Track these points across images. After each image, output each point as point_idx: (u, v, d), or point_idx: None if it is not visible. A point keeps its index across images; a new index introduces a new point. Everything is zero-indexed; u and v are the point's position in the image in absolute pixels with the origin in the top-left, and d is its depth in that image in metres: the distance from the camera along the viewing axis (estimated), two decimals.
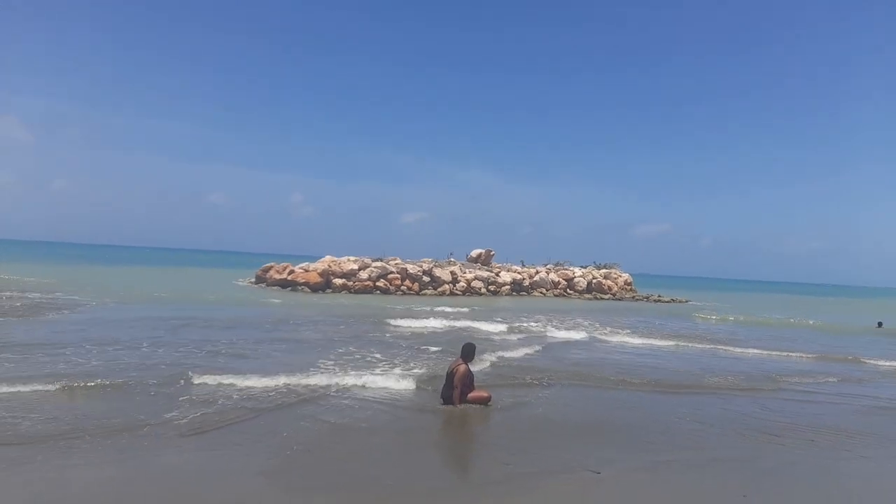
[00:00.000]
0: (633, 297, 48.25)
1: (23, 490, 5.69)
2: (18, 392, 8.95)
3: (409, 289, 39.79)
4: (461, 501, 6.06)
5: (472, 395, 9.82)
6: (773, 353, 18.96)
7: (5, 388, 9.03)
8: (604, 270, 50.76)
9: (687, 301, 49.21)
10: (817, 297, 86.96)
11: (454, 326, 20.83)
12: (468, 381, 9.84)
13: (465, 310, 28.10)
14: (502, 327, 21.46)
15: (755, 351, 19.04)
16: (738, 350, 19.10)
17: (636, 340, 20.24)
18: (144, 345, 13.66)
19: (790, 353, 18.96)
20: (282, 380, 10.60)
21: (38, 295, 23.57)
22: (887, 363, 17.98)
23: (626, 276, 51.18)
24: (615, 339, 20.48)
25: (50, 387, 9.27)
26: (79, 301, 22.41)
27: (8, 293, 23.42)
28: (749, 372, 14.73)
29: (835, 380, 14.42)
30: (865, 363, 18.00)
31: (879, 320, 33.52)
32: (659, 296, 50.81)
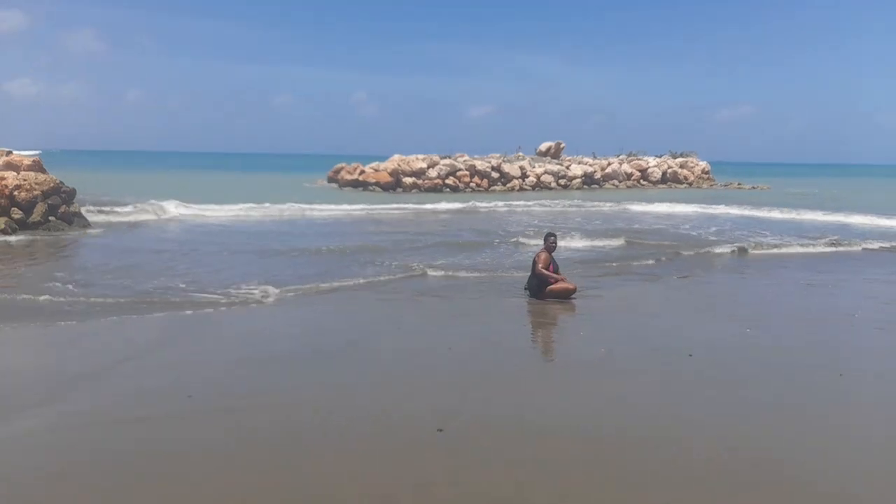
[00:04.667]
0: (711, 186, 46.63)
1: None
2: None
3: (479, 185, 39.79)
4: (559, 381, 6.47)
5: (556, 286, 9.98)
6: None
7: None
8: (679, 159, 48.89)
9: (769, 188, 47.14)
10: None
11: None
12: (551, 269, 10.00)
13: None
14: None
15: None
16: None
17: None
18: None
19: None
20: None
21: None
22: None
23: (703, 164, 49.21)
24: None
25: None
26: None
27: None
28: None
29: None
30: None
31: None
32: (739, 184, 48.88)
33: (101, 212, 20.37)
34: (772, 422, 5.38)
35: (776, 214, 25.33)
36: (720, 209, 27.00)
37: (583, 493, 4.13)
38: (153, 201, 22.38)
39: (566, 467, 4.47)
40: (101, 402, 5.53)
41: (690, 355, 7.11)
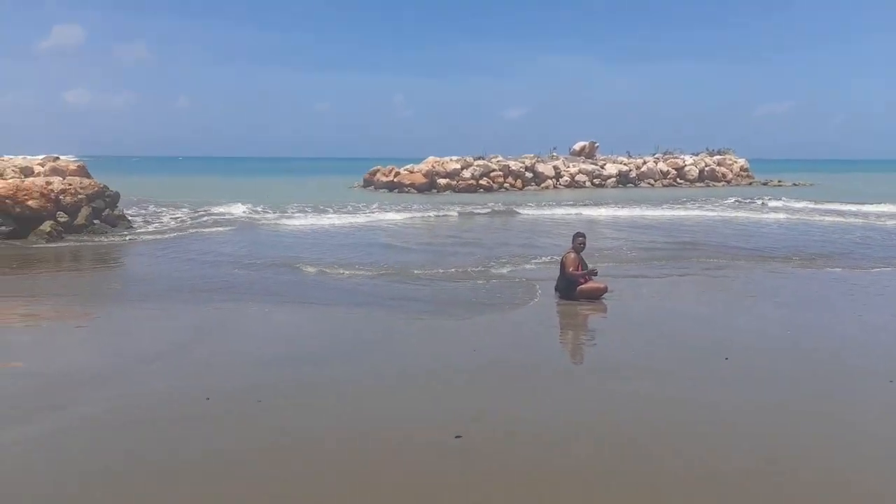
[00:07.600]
0: (750, 184, 45.39)
1: None
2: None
3: (512, 185, 39.51)
4: (586, 385, 6.25)
5: (586, 286, 9.72)
6: None
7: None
8: (717, 157, 47.76)
9: (811, 185, 45.65)
10: None
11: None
12: (580, 269, 9.74)
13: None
14: None
15: None
16: None
17: None
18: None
19: None
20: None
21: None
22: None
23: (741, 161, 48.02)
24: None
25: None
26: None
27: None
28: None
29: None
30: None
31: None
32: (779, 181, 47.47)
33: (146, 220, 20.70)
34: (814, 430, 5.09)
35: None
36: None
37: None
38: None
39: (591, 476, 4.27)
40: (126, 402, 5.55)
41: (727, 359, 6.81)
